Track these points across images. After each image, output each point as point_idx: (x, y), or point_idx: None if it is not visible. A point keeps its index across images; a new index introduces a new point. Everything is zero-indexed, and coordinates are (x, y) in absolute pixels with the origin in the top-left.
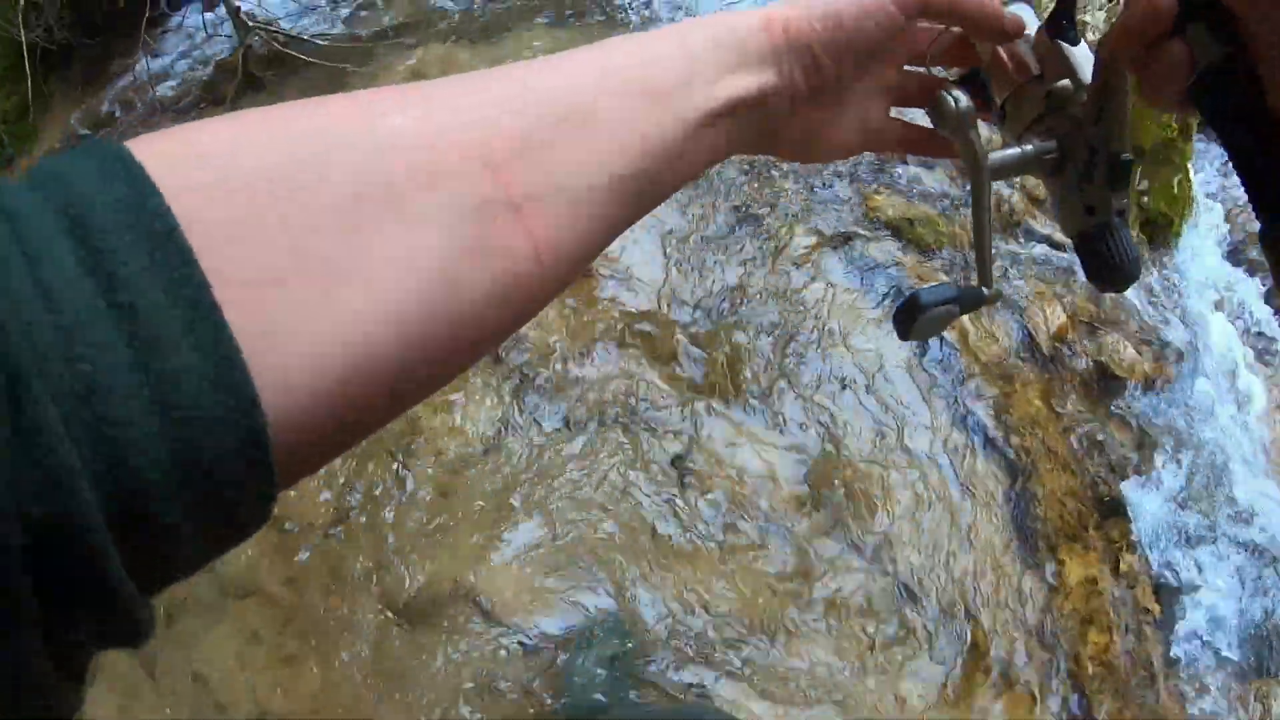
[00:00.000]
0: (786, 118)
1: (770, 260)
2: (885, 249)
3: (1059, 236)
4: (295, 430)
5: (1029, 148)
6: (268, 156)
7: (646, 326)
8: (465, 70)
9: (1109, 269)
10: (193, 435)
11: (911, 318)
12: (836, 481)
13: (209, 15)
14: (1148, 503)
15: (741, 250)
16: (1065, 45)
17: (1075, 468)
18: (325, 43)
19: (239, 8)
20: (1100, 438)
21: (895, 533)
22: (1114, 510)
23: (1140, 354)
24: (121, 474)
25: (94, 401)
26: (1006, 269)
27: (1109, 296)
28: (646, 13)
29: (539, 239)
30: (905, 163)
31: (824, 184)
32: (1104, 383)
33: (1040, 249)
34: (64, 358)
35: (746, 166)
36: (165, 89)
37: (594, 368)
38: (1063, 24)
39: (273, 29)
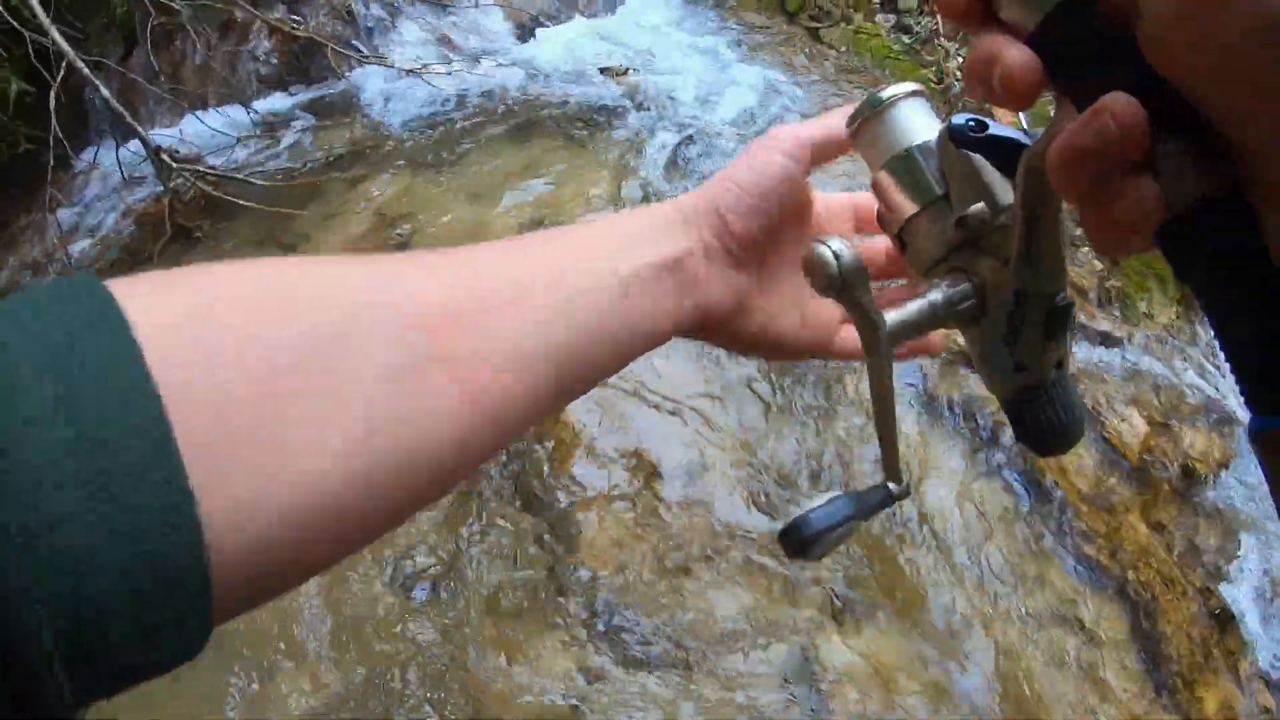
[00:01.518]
0: (707, 281)
1: (832, 410)
2: (960, 379)
3: (1117, 331)
4: (239, 562)
5: (937, 296)
6: (236, 301)
7: (721, 534)
8: (425, 204)
9: (1046, 435)
10: (147, 566)
11: (802, 545)
12: (961, 653)
13: (124, 153)
14: (1245, 597)
15: (797, 402)
16: (977, 159)
17: (1185, 585)
18: (264, 181)
19: (158, 147)
20: (1195, 540)
21: (1032, 698)
22: (1227, 620)
23: (1210, 441)
24: (79, 599)
25: (55, 531)
26: (1074, 374)
27: (1165, 380)
28: (619, 127)
29: (470, 393)
30: None
31: None
32: (1187, 480)
33: (1098, 351)
34: (32, 495)
35: None
36: (82, 247)
37: (675, 590)
38: (970, 129)
39: (200, 168)
